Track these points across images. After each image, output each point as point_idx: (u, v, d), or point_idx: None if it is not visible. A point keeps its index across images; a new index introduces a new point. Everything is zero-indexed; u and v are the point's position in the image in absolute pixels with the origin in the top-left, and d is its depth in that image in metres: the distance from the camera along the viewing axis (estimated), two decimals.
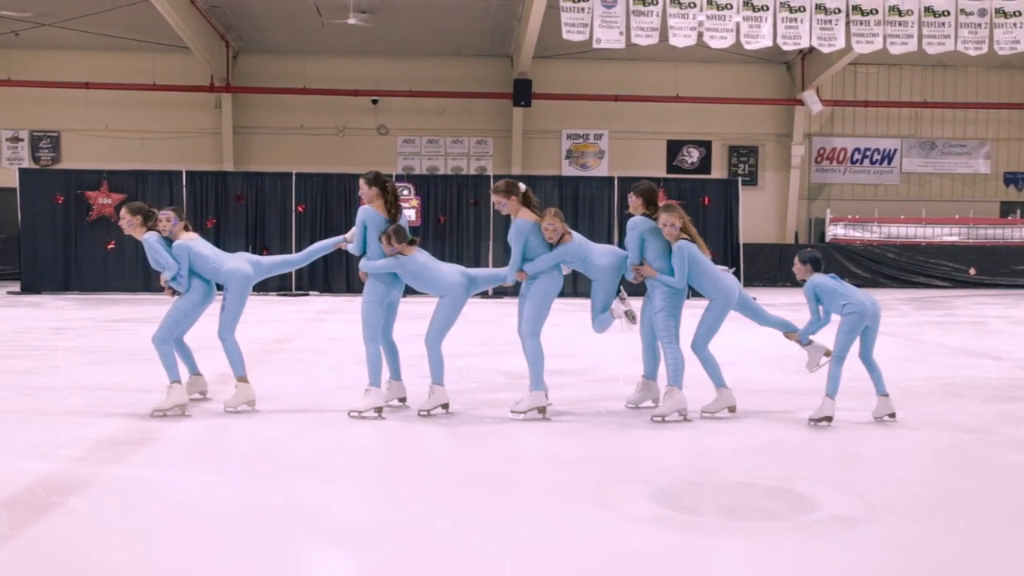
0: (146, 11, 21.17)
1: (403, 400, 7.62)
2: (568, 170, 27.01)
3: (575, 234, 7.29)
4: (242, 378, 7.34)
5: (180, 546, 4.33)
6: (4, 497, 5.01)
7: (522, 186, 7.30)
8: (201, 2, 22.88)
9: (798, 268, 7.25)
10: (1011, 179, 28.54)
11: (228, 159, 26.21)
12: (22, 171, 21.60)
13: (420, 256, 7.23)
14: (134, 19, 22.73)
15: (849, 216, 26.85)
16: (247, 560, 4.15)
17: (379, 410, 7.11)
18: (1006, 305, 19.70)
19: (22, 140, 26.67)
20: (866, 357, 7.17)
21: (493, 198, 7.32)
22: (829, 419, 7.08)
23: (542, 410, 7.14)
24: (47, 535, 4.46)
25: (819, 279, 7.10)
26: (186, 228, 7.47)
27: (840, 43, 18.79)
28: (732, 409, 7.35)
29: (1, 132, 26.58)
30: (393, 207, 7.27)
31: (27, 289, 20.32)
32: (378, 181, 7.28)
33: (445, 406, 7.31)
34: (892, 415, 7.19)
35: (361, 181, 7.33)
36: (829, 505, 5.02)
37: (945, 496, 5.29)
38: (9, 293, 20.10)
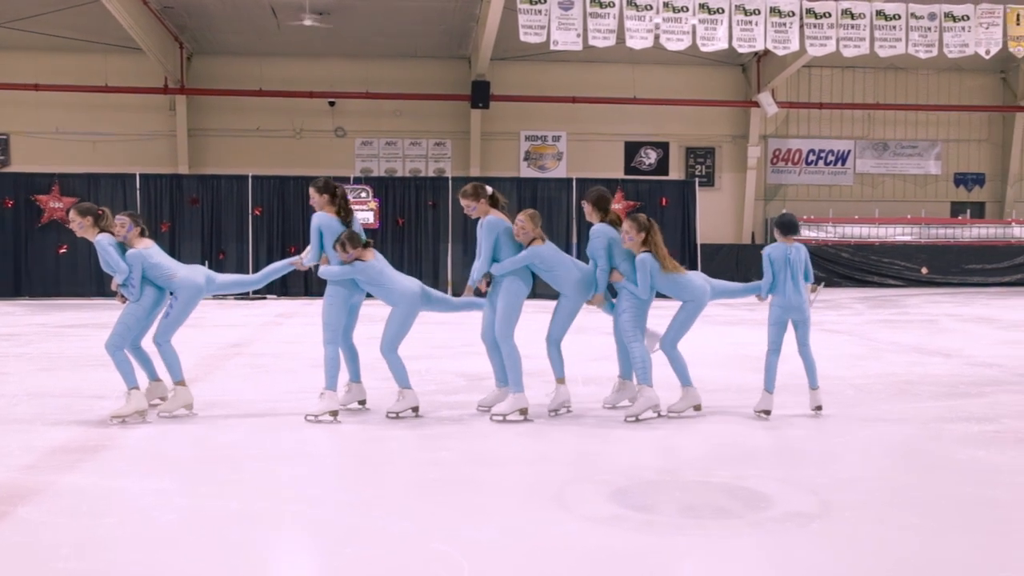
0: (97, 11, 20.90)
1: (363, 403, 7.61)
2: (526, 171, 27.06)
3: (547, 241, 7.32)
4: (180, 382, 7.30)
5: (135, 555, 4.28)
6: None
7: (489, 188, 7.36)
8: (154, 3, 22.62)
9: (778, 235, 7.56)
10: (961, 180, 29.01)
11: (183, 162, 25.95)
12: None
13: (378, 262, 7.22)
14: (85, 19, 22.45)
15: (804, 216, 27.11)
16: (204, 568, 4.11)
17: (334, 413, 7.09)
18: (957, 303, 20.00)
19: None
20: (799, 351, 7.49)
21: (461, 202, 7.32)
22: (767, 412, 7.36)
23: (524, 411, 7.16)
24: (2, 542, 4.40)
25: (772, 248, 7.38)
26: (142, 234, 7.40)
27: (794, 46, 18.97)
28: (698, 408, 7.46)
29: None
30: (344, 211, 7.27)
31: None
32: (328, 188, 7.29)
33: (415, 409, 7.33)
34: (819, 408, 7.50)
35: (311, 189, 7.33)
36: (784, 502, 5.06)
37: (898, 492, 5.37)
38: None
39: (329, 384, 7.09)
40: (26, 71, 25.35)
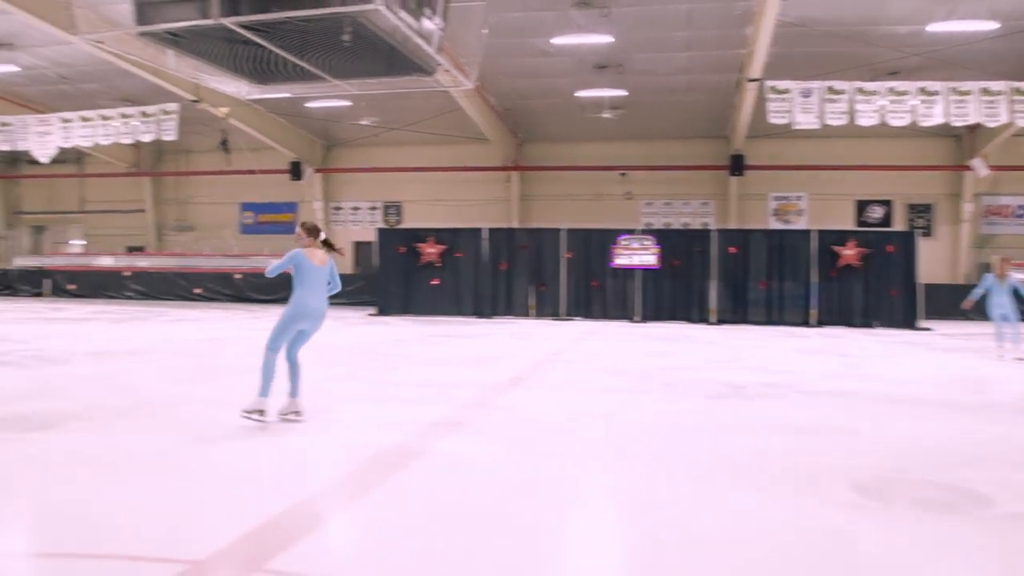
0: (459, 115, 22.34)
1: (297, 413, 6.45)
2: (774, 224, 25.86)
3: None
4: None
5: (487, 502, 4.45)
6: (364, 459, 5.35)
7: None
8: (498, 107, 23.81)
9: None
10: None
11: (515, 219, 27.00)
12: (379, 230, 23.05)
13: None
14: (452, 121, 23.99)
15: (1016, 261, 23.94)
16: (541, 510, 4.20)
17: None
18: None
19: (378, 208, 28.74)
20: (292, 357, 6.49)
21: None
22: (261, 412, 6.13)
23: None
24: (401, 485, 4.72)
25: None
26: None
27: (1004, 118, 16.96)
28: None
29: (366, 203, 28.80)
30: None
31: (381, 312, 21.59)
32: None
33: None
34: (297, 413, 6.38)
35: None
36: (1005, 503, 4.48)
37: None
38: (369, 315, 21.46)
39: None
40: (414, 158, 27.48)
